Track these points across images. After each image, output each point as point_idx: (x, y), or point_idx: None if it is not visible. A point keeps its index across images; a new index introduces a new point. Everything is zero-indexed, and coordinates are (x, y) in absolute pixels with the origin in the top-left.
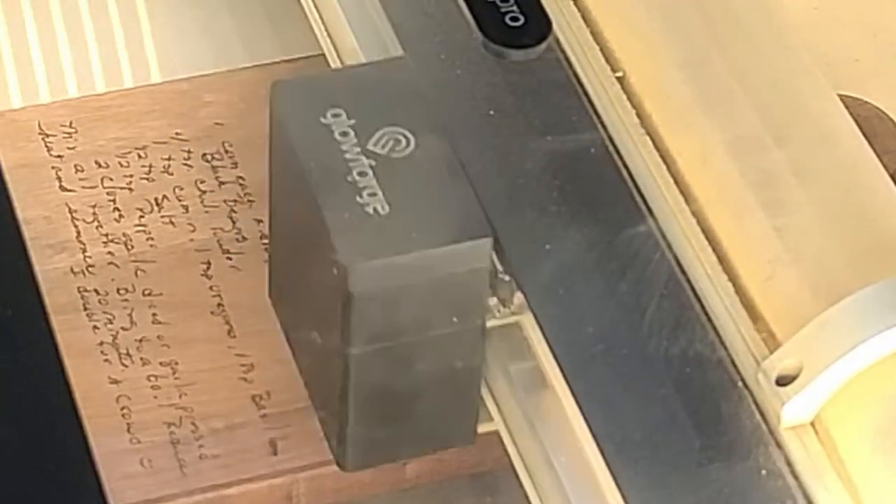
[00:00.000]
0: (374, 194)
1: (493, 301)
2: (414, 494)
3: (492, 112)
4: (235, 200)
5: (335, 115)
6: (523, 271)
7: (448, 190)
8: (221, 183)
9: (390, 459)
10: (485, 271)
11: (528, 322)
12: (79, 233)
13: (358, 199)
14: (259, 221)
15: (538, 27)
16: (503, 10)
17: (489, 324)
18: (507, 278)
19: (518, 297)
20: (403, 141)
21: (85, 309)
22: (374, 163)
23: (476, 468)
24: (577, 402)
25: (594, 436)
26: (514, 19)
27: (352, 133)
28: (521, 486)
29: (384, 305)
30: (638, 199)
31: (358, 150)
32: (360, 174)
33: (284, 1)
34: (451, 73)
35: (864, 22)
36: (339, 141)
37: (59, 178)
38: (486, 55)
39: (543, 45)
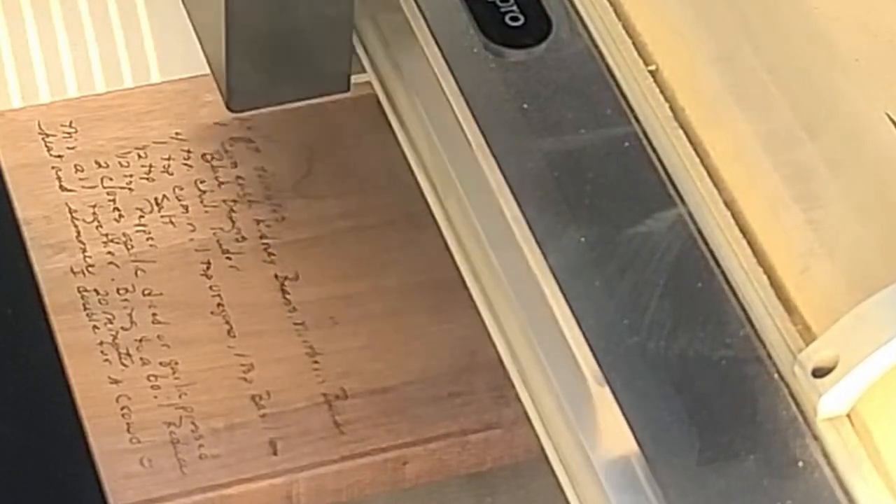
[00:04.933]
0: None
1: None
2: (414, 494)
3: (525, 106)
4: (235, 200)
5: None
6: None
7: None
8: (221, 183)
9: (273, 101)
10: None
11: None
12: (79, 233)
13: None
14: (259, 221)
15: (538, 27)
16: (503, 10)
17: None
18: None
19: None
20: None
21: (85, 309)
22: None
23: (476, 468)
24: (615, 394)
25: (634, 433)
26: (514, 19)
27: None
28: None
29: None
30: (672, 192)
31: None
32: None
33: None
34: (485, 66)
35: (864, 22)
36: None
37: (59, 178)
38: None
39: (543, 45)
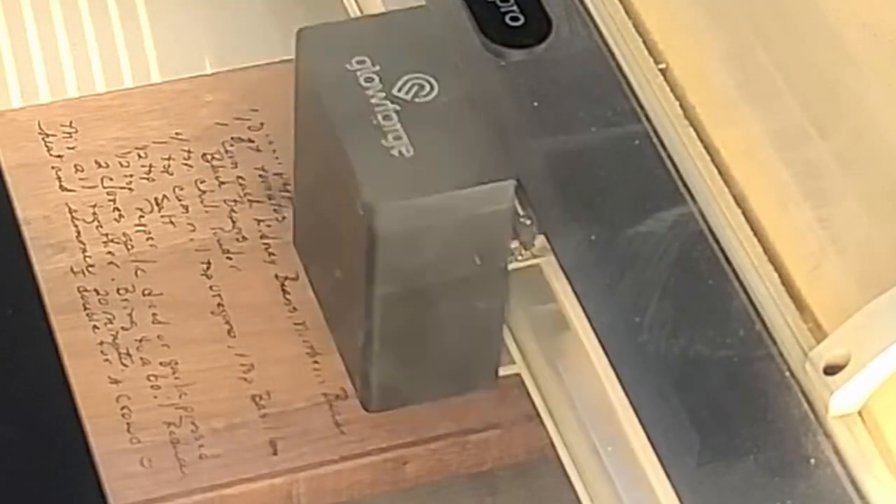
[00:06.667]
0: (398, 138)
1: (514, 244)
2: (414, 494)
3: (536, 104)
4: (235, 200)
5: (360, 62)
6: (568, 260)
7: (471, 133)
8: (221, 183)
9: (414, 401)
10: (507, 212)
11: (550, 265)
12: (79, 233)
13: (383, 142)
14: (259, 221)
15: (538, 27)
16: (503, 10)
17: (511, 266)
18: (528, 222)
19: (540, 240)
20: (427, 86)
21: (85, 309)
22: (398, 107)
23: (476, 468)
24: (627, 393)
25: (645, 430)
26: (514, 19)
27: (376, 79)
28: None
29: (408, 246)
30: (682, 190)
31: (383, 95)
32: (385, 118)
33: (285, 0)
34: (495, 64)
35: (864, 22)
36: (363, 87)
37: (59, 178)
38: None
39: (543, 45)
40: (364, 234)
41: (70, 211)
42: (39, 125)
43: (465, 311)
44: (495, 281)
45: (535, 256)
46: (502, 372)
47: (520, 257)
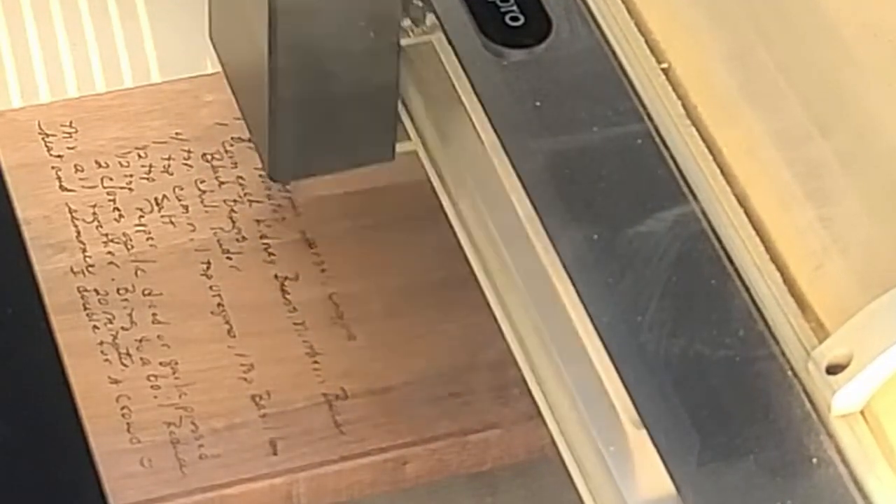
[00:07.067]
0: None
1: (406, 22)
2: (414, 494)
3: (538, 103)
4: (235, 200)
5: None
6: (570, 259)
7: None
8: (221, 183)
9: (316, 171)
10: None
11: (440, 42)
12: (79, 233)
13: None
14: (259, 221)
15: (538, 27)
16: (503, 10)
17: (403, 42)
18: (419, 3)
19: (430, 19)
20: None
21: (85, 309)
22: None
23: (476, 468)
24: (629, 392)
25: (647, 429)
26: (514, 19)
27: None
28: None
29: (304, 18)
30: (684, 189)
31: None
32: None
33: None
34: (497, 64)
35: (864, 22)
36: None
37: (59, 178)
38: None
39: (543, 45)
40: (265, 9)
41: (70, 211)
42: (39, 125)
43: (360, 84)
44: (388, 54)
45: (426, 34)
46: (399, 148)
47: (411, 34)
